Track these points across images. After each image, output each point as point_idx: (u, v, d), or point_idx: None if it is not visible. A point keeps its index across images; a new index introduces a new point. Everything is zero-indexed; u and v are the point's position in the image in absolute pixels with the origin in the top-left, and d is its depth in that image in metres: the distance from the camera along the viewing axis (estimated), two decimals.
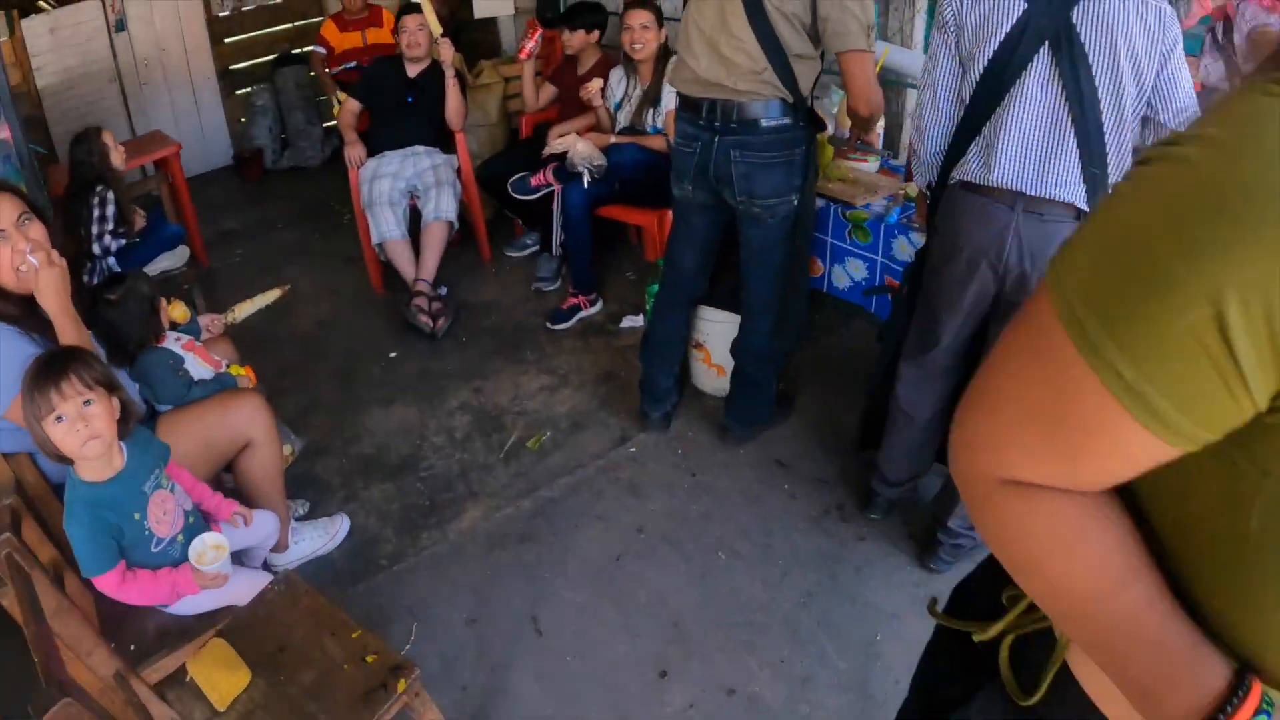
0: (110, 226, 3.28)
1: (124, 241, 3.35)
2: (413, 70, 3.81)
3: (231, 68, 6.37)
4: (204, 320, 2.58)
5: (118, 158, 3.32)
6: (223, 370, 2.38)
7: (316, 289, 4.08)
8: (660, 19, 3.34)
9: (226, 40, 6.28)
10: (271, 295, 2.78)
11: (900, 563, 2.39)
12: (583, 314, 3.50)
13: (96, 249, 3.29)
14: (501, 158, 3.98)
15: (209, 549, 1.79)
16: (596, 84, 3.51)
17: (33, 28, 5.77)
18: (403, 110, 3.77)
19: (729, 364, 2.88)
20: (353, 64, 4.93)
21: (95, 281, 3.33)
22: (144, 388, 2.20)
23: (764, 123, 2.20)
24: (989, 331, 2.04)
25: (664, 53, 3.37)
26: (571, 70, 3.93)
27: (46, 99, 5.85)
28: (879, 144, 2.77)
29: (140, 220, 3.45)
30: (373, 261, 3.85)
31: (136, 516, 1.75)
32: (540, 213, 3.73)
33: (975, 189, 1.88)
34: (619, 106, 3.53)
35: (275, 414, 2.34)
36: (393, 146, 3.79)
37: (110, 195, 3.27)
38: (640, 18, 3.30)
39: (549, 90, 4.03)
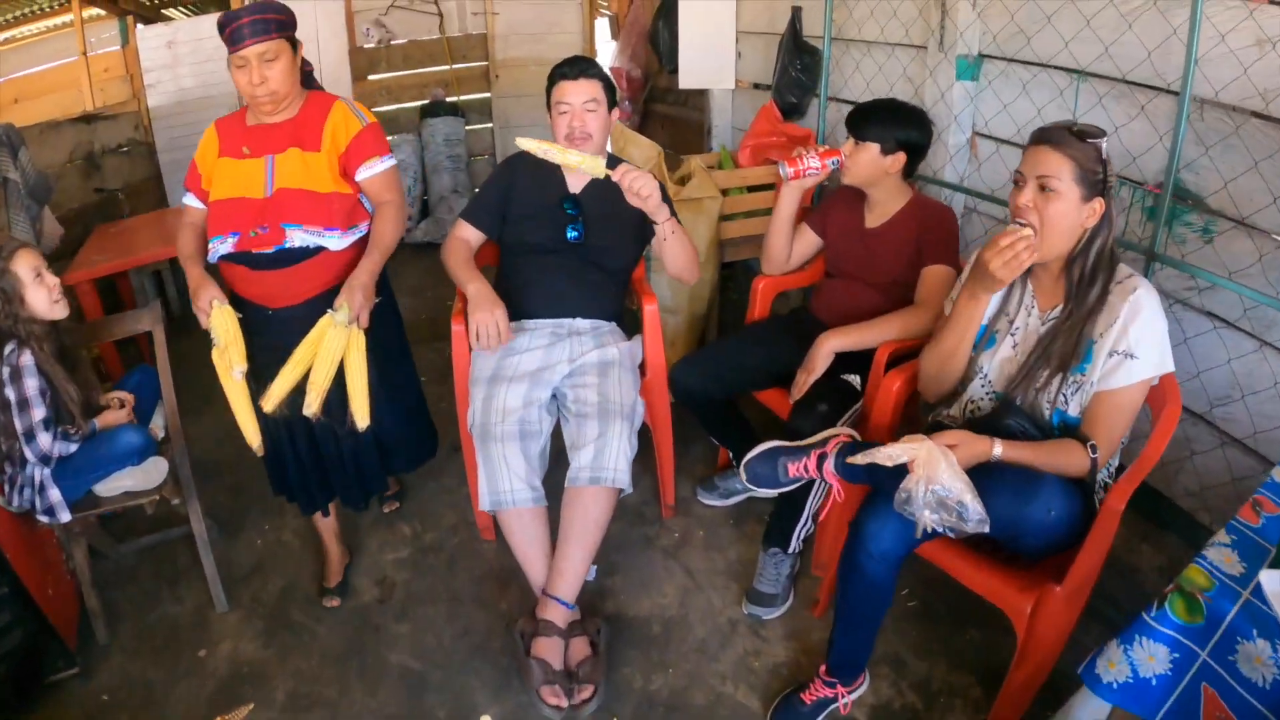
0: (42, 415, 1.81)
1: (74, 445, 1.88)
2: (578, 179, 2.18)
3: (373, 109, 5.03)
4: None
5: (41, 299, 1.82)
6: None
7: (402, 503, 2.52)
8: (1096, 182, 1.50)
9: (370, 77, 4.96)
10: None
11: None
12: (834, 706, 1.76)
13: (29, 454, 1.82)
14: (715, 357, 2.24)
15: None
16: (1018, 238, 1.48)
17: (148, 39, 4.60)
18: (559, 251, 2.12)
19: None
20: (225, 243, 1.86)
21: (14, 506, 1.87)
22: None
23: None
24: None
25: (1099, 256, 1.56)
26: (851, 211, 2.21)
27: (156, 121, 4.66)
28: None
29: (118, 410, 1.98)
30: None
31: None
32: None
33: None
34: (983, 343, 1.70)
35: None
36: (538, 312, 2.14)
37: (26, 361, 1.78)
38: (1056, 162, 1.48)
39: (807, 240, 2.32)
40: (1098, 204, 1.49)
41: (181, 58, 4.63)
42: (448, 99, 5.03)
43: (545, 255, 2.12)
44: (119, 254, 3.04)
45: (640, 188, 1.81)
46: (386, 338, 2.06)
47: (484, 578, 2.21)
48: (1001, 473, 1.43)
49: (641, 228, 2.12)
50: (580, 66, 2.06)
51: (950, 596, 2.04)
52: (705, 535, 2.32)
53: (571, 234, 2.11)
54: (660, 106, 4.62)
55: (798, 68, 3.18)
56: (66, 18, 4.58)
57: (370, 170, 1.95)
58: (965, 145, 2.52)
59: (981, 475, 1.39)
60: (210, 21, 4.66)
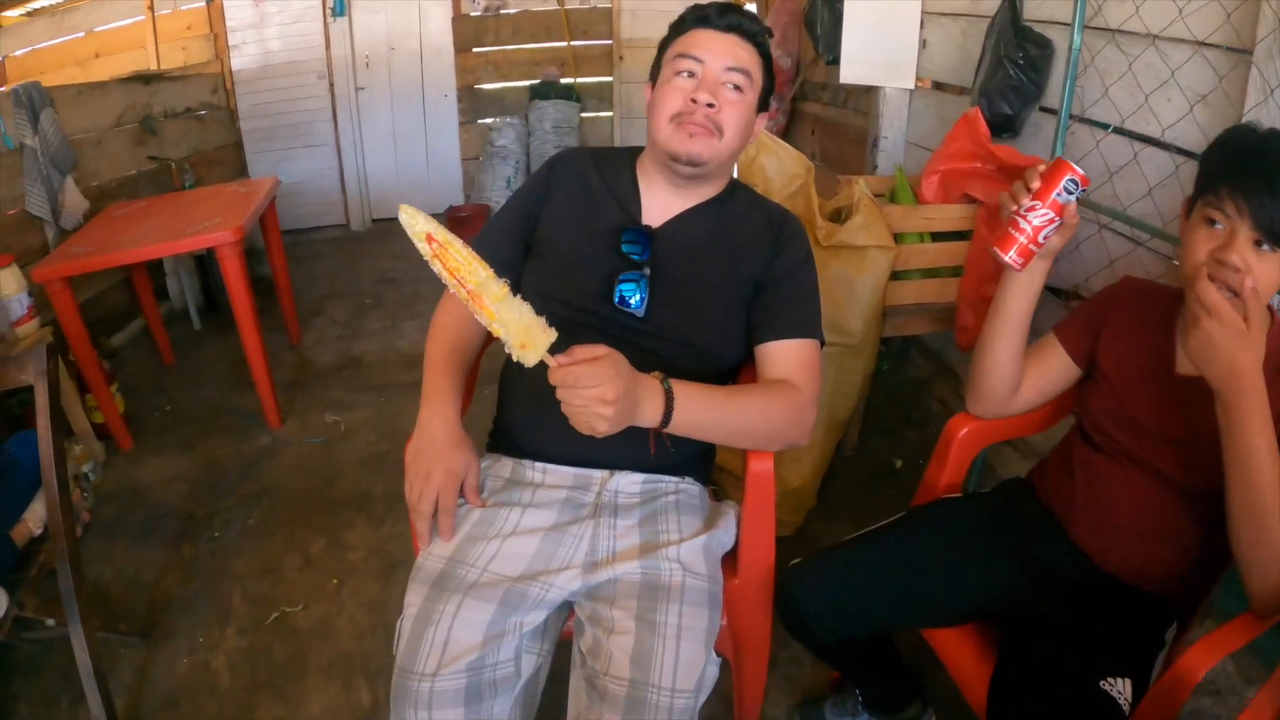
0: None
1: None
2: (662, 201, 1.19)
3: (476, 87, 4.29)
4: None
5: None
6: None
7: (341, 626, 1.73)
8: None
9: (475, 50, 4.21)
10: None
11: None
12: None
13: None
14: (858, 568, 1.16)
15: None
16: None
17: None
18: (602, 325, 1.12)
19: None
20: None
21: None
22: None
23: None
24: None
25: None
26: (1147, 332, 1.12)
27: (240, 86, 4.11)
28: None
29: None
30: None
31: None
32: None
33: None
34: None
35: None
36: (548, 448, 1.14)
37: None
38: None
39: (1053, 364, 1.19)
40: None
41: (269, 17, 4.05)
42: (562, 80, 4.23)
43: (576, 331, 1.08)
44: (109, 245, 2.35)
45: (574, 399, 0.86)
46: None
47: None
48: None
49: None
50: (734, 17, 1.13)
51: None
52: None
53: (626, 296, 1.12)
54: (811, 106, 3.58)
55: (1018, 64, 2.12)
56: None
57: None
58: None
59: None
60: None
